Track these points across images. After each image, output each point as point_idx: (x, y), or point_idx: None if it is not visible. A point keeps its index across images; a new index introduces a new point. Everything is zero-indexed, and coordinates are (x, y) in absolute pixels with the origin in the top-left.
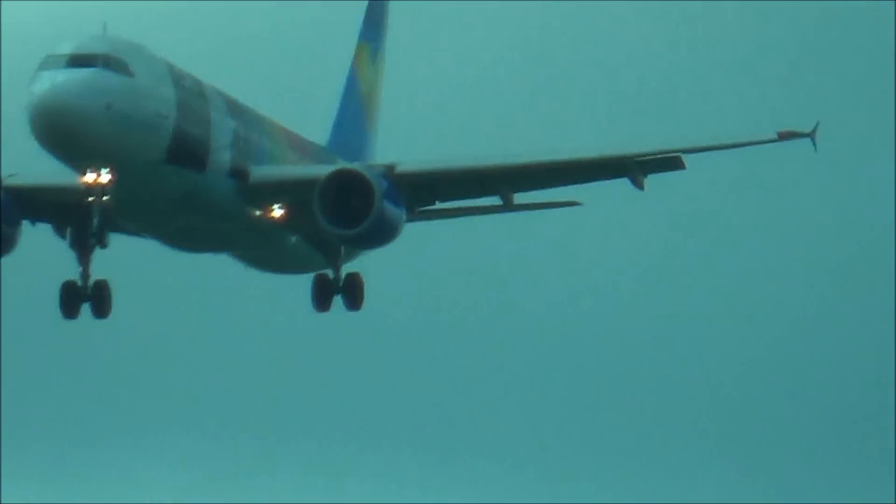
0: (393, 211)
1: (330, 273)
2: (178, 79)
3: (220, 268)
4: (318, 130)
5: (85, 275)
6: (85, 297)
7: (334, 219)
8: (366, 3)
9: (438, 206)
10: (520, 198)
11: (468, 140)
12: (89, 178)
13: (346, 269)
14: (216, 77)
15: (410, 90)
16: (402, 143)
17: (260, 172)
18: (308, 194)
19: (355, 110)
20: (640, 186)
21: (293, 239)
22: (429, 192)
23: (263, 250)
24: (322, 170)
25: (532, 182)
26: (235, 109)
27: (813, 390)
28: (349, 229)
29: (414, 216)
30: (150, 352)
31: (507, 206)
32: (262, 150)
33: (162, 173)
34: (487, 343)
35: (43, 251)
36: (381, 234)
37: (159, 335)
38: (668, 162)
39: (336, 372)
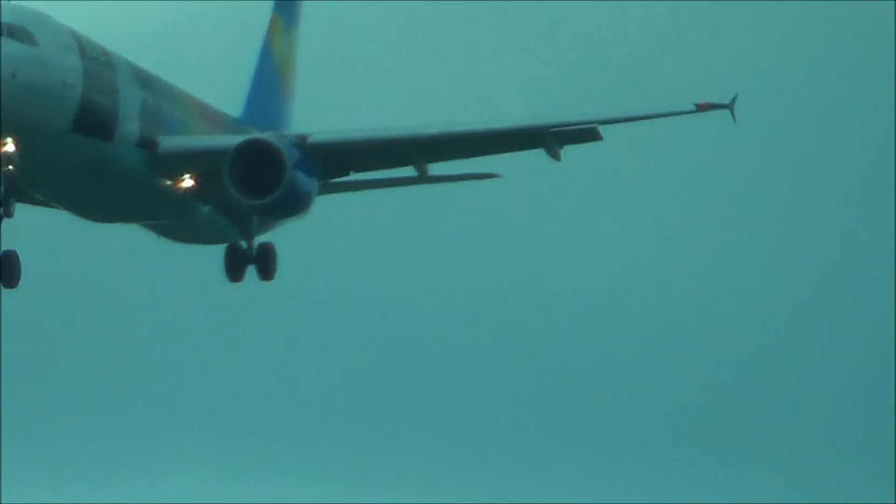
0: (305, 181)
1: (243, 243)
2: (84, 48)
3: (132, 238)
4: (232, 102)
5: None
6: None
7: (245, 189)
8: None
9: (353, 178)
10: (437, 169)
11: (388, 112)
12: None
13: (260, 239)
14: (126, 49)
15: (328, 61)
16: (320, 114)
17: (169, 142)
18: (218, 164)
19: (270, 82)
20: (557, 157)
21: (205, 209)
22: (342, 162)
23: (175, 221)
24: (232, 139)
25: (446, 153)
26: (144, 79)
27: (813, 391)
28: (260, 199)
29: (328, 188)
30: (60, 324)
31: (423, 179)
32: (171, 120)
33: (69, 143)
34: (397, 315)
35: None
36: (293, 204)
37: (69, 307)
38: (584, 133)
39: (247, 343)
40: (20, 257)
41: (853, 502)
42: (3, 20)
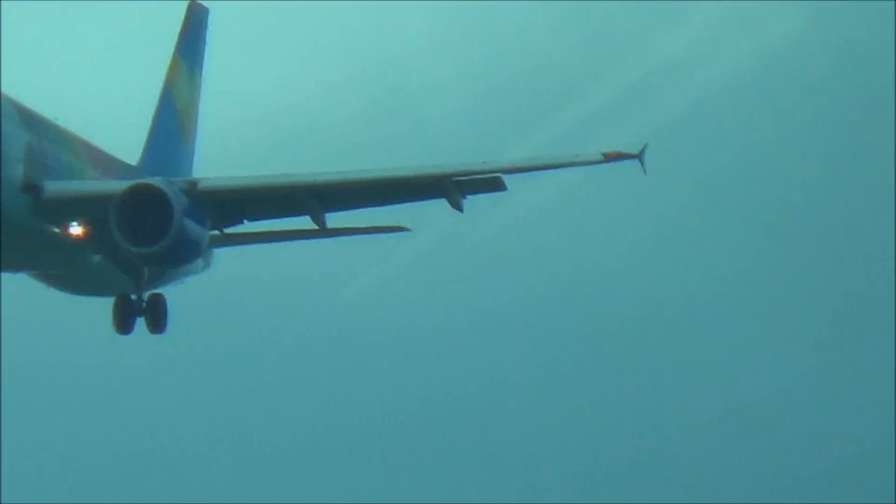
0: (194, 229)
1: (133, 294)
2: None
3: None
4: (131, 148)
5: None
6: None
7: (132, 236)
8: (181, 15)
9: (250, 229)
10: (338, 219)
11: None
12: None
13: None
14: (12, 86)
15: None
16: (226, 161)
17: (54, 187)
18: (106, 211)
19: (170, 128)
20: (459, 208)
21: (95, 258)
22: (235, 209)
23: (64, 269)
24: (119, 184)
25: (343, 201)
26: (30, 120)
27: (813, 392)
28: (147, 247)
29: (225, 239)
30: None
31: (325, 231)
32: (58, 164)
33: None
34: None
35: None
36: (182, 252)
37: None
38: (488, 182)
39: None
40: None
41: (853, 502)
42: None
